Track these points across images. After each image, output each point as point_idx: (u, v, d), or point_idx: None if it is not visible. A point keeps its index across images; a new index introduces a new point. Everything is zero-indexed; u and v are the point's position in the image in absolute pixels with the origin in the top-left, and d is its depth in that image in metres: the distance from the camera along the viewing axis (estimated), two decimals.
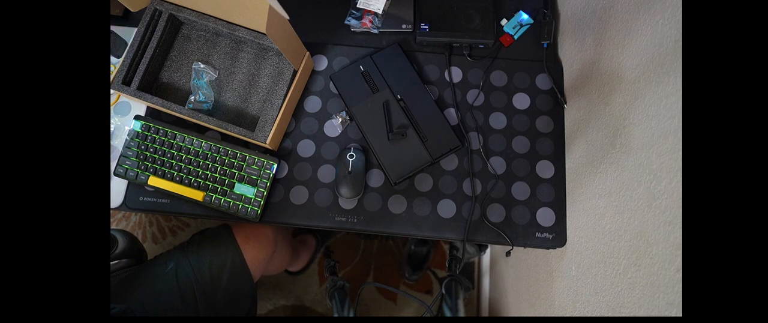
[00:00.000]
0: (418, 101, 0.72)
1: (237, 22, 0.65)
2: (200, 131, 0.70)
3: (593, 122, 0.62)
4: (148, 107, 0.72)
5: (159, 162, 0.67)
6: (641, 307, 0.46)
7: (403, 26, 0.75)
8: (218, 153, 0.68)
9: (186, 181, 0.67)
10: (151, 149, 0.68)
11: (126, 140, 0.68)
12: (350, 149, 0.69)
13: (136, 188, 0.69)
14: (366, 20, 0.75)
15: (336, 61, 0.75)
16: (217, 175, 0.67)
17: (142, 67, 0.66)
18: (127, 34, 0.74)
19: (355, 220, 0.69)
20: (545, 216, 0.69)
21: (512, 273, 1.00)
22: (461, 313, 0.93)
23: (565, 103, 0.72)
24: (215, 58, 0.71)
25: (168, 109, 0.65)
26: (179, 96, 0.70)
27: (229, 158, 0.67)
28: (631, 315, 0.48)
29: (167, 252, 0.76)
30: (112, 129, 0.72)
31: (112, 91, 0.68)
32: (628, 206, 0.51)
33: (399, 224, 0.69)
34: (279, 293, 1.32)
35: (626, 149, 0.53)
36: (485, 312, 1.23)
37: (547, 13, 0.76)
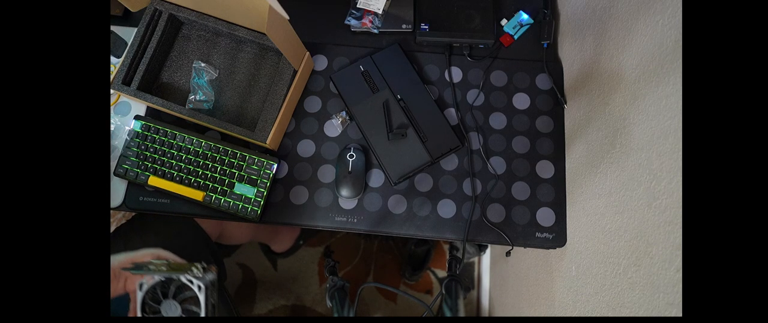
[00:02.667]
0: (418, 101, 0.72)
1: (237, 22, 0.65)
2: (200, 131, 0.70)
3: (593, 122, 0.62)
4: (148, 107, 0.72)
5: (159, 162, 0.67)
6: (641, 307, 0.46)
7: (403, 26, 0.75)
8: (218, 153, 0.68)
9: (186, 181, 0.67)
10: (151, 149, 0.68)
11: (126, 140, 0.68)
12: (350, 149, 0.69)
13: (136, 188, 0.69)
14: (366, 20, 0.75)
15: (336, 61, 0.75)
16: (217, 175, 0.67)
17: (142, 67, 0.66)
18: (127, 34, 0.74)
19: (355, 220, 0.69)
20: (545, 216, 0.69)
21: (512, 273, 1.00)
22: (461, 313, 0.93)
23: (565, 103, 0.72)
24: (215, 58, 0.71)
25: (168, 109, 0.65)
26: (179, 96, 0.70)
27: (229, 158, 0.67)
28: (631, 315, 0.48)
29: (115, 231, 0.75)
30: (112, 129, 0.71)
31: (112, 91, 0.68)
32: (628, 206, 0.51)
33: (399, 224, 0.69)
34: (279, 293, 1.32)
35: (626, 149, 0.53)
36: (485, 312, 1.23)
37: (547, 13, 0.76)
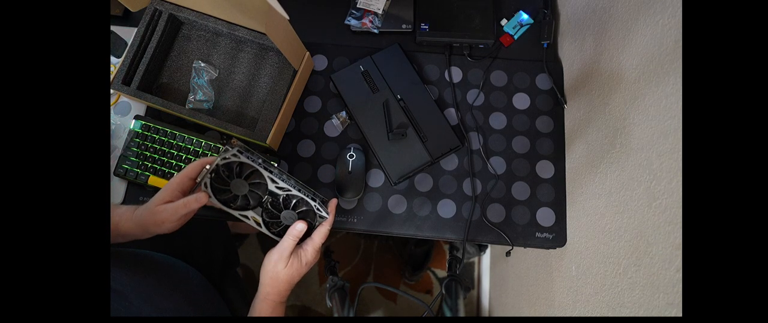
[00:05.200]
0: (418, 101, 0.72)
1: (237, 22, 0.65)
2: (200, 131, 0.70)
3: (593, 122, 0.62)
4: (148, 107, 0.72)
5: (159, 162, 0.67)
6: (641, 307, 0.46)
7: (403, 26, 0.75)
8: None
9: None
10: (151, 149, 0.68)
11: (126, 140, 0.68)
12: (350, 149, 0.69)
13: (136, 188, 0.69)
14: (366, 20, 0.75)
15: (336, 61, 0.75)
16: None
17: (142, 67, 0.66)
18: (127, 34, 0.74)
19: (355, 220, 0.69)
20: (545, 216, 0.69)
21: (512, 273, 1.00)
22: (461, 313, 0.93)
23: (565, 103, 0.72)
24: (215, 58, 0.71)
25: (168, 109, 0.65)
26: (179, 96, 0.70)
27: None
28: (631, 315, 0.48)
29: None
30: (112, 129, 0.72)
31: (112, 91, 0.68)
32: (628, 206, 0.51)
33: (399, 224, 0.69)
34: None
35: (626, 149, 0.53)
36: (485, 312, 1.23)
37: (547, 13, 0.76)
